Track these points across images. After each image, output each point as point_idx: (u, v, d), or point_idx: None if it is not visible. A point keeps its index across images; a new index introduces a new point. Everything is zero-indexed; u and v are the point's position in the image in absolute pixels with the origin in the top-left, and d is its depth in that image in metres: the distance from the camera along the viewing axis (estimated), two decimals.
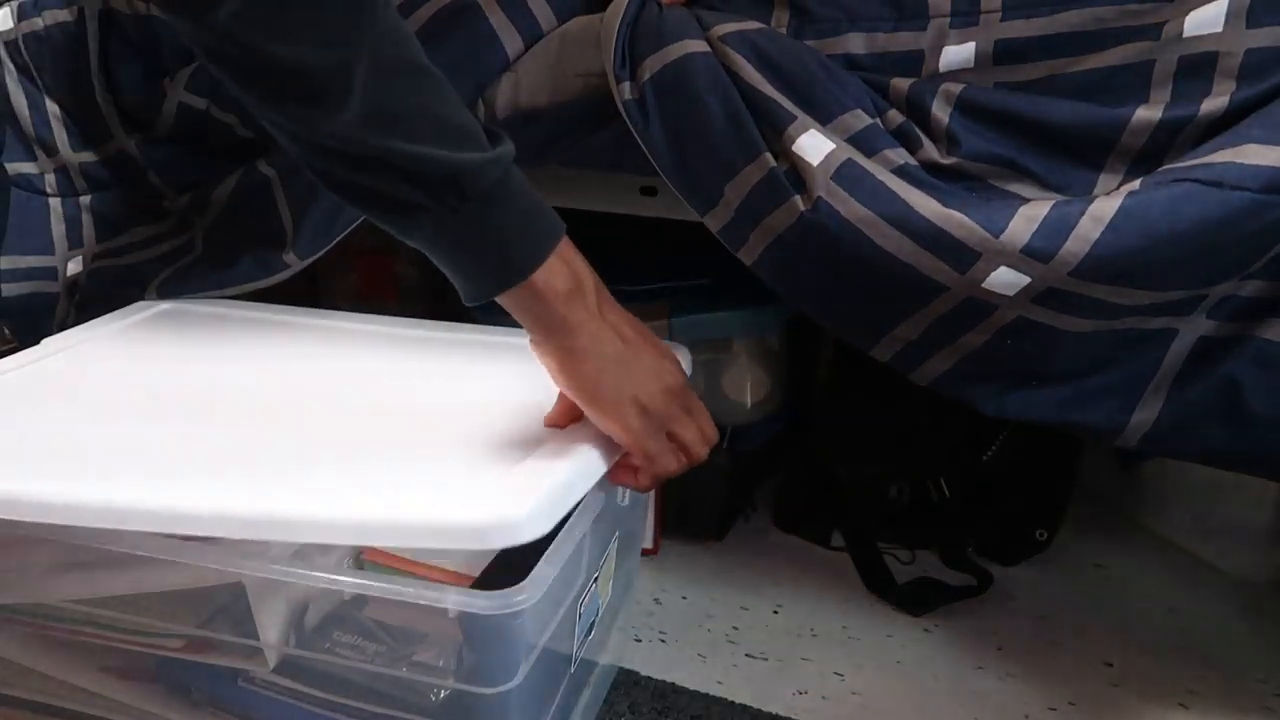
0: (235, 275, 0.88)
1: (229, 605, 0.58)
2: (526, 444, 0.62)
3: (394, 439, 0.65)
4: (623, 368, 0.60)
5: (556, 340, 0.59)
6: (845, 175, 0.66)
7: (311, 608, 0.58)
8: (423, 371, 0.79)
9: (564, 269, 0.58)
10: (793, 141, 0.68)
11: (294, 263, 0.86)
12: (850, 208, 0.66)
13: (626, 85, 0.73)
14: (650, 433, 0.61)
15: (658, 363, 0.63)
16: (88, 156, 0.94)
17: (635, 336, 0.62)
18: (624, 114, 0.73)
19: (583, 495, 0.59)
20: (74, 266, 0.95)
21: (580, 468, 0.59)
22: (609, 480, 0.63)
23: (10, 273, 0.93)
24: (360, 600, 0.57)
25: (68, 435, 0.65)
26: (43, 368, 0.76)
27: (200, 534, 0.55)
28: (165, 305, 0.90)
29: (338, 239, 0.85)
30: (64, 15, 0.90)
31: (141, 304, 0.90)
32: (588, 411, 0.61)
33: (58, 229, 0.94)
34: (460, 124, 0.56)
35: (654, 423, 0.61)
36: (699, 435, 0.64)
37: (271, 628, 0.58)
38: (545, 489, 0.54)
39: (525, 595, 0.50)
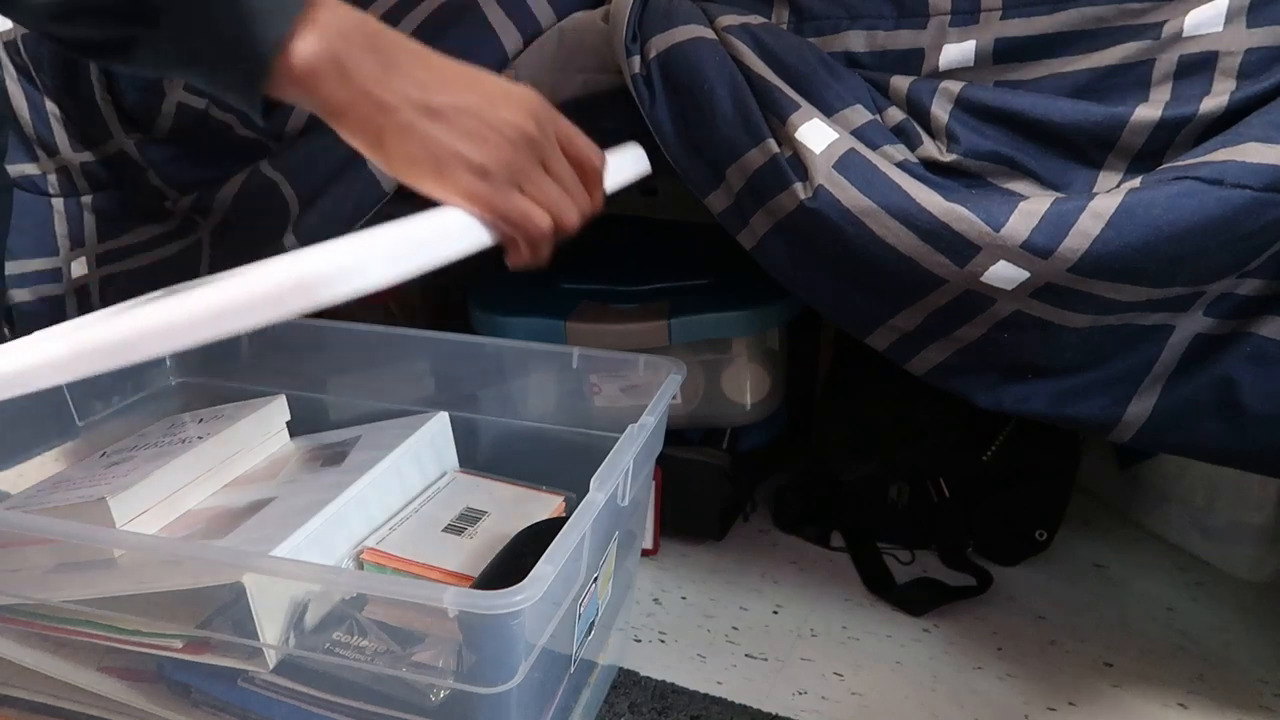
0: None
1: (229, 605, 0.58)
2: None
3: None
4: (440, 127, 0.53)
5: (350, 123, 0.53)
6: (847, 165, 0.66)
7: (311, 608, 0.58)
8: None
9: (316, 38, 0.51)
10: (795, 129, 0.68)
11: (292, 245, 0.85)
12: (851, 197, 0.66)
13: (636, 60, 0.73)
14: (497, 194, 0.53)
15: (490, 111, 0.54)
16: (88, 156, 0.94)
17: (452, 83, 0.54)
18: (631, 89, 0.73)
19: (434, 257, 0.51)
20: (79, 268, 0.95)
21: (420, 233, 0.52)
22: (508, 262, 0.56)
23: (19, 278, 0.93)
24: (360, 600, 0.57)
25: None
26: None
27: None
28: None
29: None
30: None
31: None
32: (423, 190, 0.54)
33: (60, 229, 0.95)
34: None
35: (498, 181, 0.53)
36: (559, 195, 0.56)
37: (271, 628, 0.58)
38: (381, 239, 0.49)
39: (525, 595, 0.50)
